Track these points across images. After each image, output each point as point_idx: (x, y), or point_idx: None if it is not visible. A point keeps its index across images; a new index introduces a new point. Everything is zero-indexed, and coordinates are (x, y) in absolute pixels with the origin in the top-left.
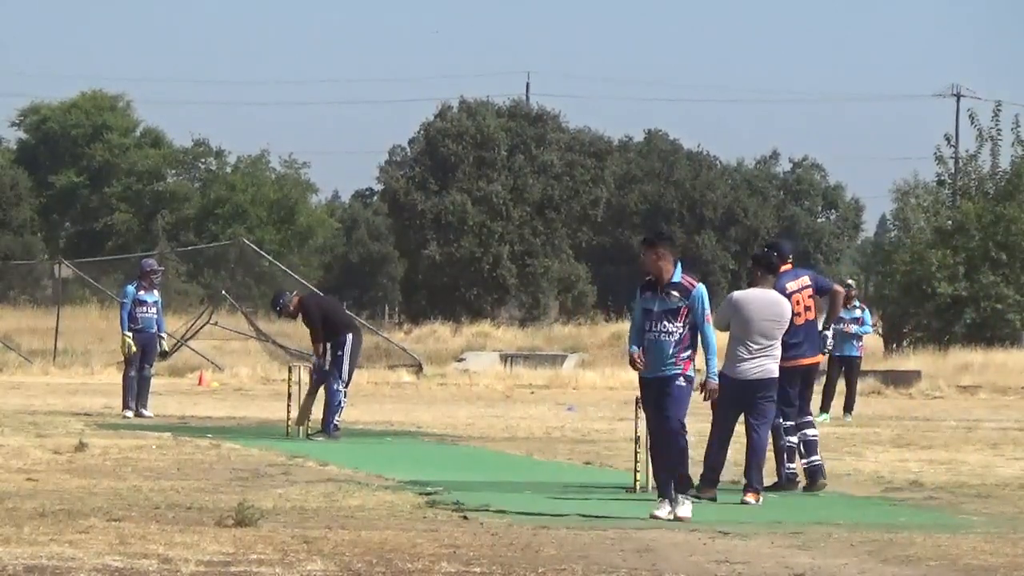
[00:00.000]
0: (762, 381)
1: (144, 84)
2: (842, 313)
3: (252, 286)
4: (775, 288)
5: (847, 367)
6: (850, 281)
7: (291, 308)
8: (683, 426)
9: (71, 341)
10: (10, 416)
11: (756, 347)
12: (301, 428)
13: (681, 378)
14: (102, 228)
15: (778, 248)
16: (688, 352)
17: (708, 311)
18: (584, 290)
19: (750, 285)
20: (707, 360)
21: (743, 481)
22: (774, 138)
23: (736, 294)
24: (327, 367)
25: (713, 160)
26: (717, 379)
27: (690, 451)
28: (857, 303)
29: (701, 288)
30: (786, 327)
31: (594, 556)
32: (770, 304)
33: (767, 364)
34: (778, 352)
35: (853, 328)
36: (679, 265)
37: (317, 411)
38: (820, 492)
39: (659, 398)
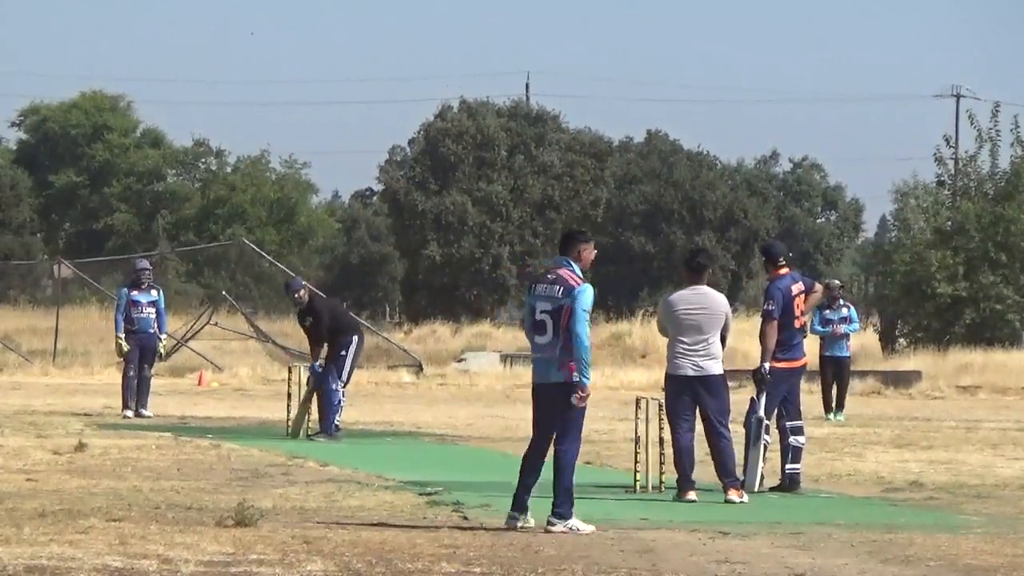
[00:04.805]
0: (701, 379)
1: (144, 84)
2: (829, 315)
3: (252, 286)
4: (780, 289)
5: (837, 368)
6: (836, 282)
7: (302, 296)
8: None
9: (71, 341)
10: (10, 416)
11: (685, 345)
12: (300, 429)
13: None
14: (102, 228)
15: (772, 249)
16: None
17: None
18: None
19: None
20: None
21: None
22: (774, 138)
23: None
24: (324, 365)
25: (713, 160)
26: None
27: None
28: (842, 302)
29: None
30: (722, 321)
31: (594, 556)
32: (698, 299)
33: (702, 362)
34: (716, 350)
35: (842, 328)
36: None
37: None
38: (807, 493)
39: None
